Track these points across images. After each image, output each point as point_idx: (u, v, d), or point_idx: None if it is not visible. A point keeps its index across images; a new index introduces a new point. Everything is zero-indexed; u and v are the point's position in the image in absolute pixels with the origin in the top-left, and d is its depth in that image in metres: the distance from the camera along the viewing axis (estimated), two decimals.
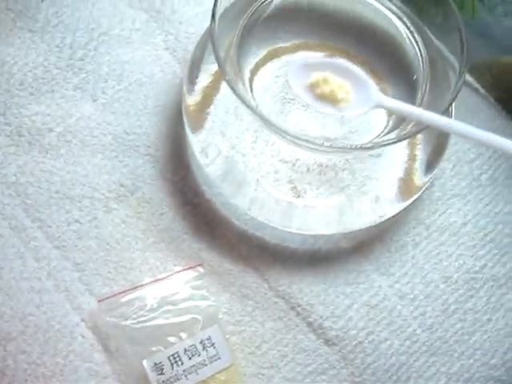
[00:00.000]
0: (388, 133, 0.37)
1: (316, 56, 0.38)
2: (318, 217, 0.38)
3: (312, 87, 0.33)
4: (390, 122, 0.38)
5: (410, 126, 0.37)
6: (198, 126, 0.38)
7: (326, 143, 0.34)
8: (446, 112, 0.35)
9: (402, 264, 0.39)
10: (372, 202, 0.39)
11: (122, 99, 0.41)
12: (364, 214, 0.38)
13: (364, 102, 0.33)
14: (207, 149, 0.38)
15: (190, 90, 0.38)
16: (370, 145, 0.34)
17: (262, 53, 0.39)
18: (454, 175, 0.41)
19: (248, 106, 0.34)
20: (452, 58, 0.37)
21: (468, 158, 0.41)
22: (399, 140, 0.34)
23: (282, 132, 0.34)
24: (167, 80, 0.41)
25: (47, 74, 0.41)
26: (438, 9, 0.37)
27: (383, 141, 0.34)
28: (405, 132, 0.35)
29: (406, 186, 0.39)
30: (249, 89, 0.37)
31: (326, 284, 0.38)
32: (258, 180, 0.38)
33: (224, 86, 0.38)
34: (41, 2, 0.42)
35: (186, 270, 0.37)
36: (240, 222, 0.38)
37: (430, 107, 0.38)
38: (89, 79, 0.41)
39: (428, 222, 0.40)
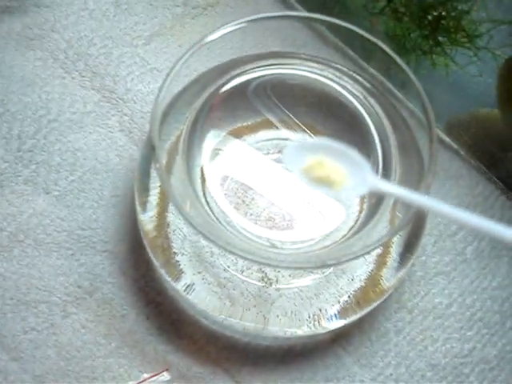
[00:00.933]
0: (365, 223, 0.34)
1: (306, 139, 0.36)
2: (291, 305, 0.36)
3: (307, 171, 0.32)
4: (365, 206, 0.36)
5: (388, 209, 0.35)
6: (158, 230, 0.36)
7: (284, 263, 0.32)
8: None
9: (385, 353, 0.36)
10: (350, 283, 0.36)
11: (76, 190, 0.38)
12: (341, 297, 0.36)
13: (359, 184, 0.32)
14: (167, 241, 0.36)
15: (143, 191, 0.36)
16: (337, 260, 0.32)
17: (221, 135, 0.37)
18: (437, 251, 0.38)
19: (194, 228, 0.32)
20: (421, 129, 0.35)
21: (450, 231, 0.38)
22: (376, 247, 0.31)
23: (233, 253, 0.31)
24: (124, 165, 0.39)
25: None
26: (399, 78, 0.35)
27: (355, 252, 0.32)
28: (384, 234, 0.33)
29: (384, 265, 0.37)
30: (200, 189, 0.35)
31: (304, 382, 0.35)
32: (225, 269, 0.36)
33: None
34: None
35: (152, 376, 0.35)
36: (207, 320, 0.36)
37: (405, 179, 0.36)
38: (40, 171, 0.38)
39: (410, 306, 0.37)
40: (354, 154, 0.33)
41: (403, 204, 0.34)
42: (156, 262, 0.35)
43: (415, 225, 0.36)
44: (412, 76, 0.34)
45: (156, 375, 0.35)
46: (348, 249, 0.33)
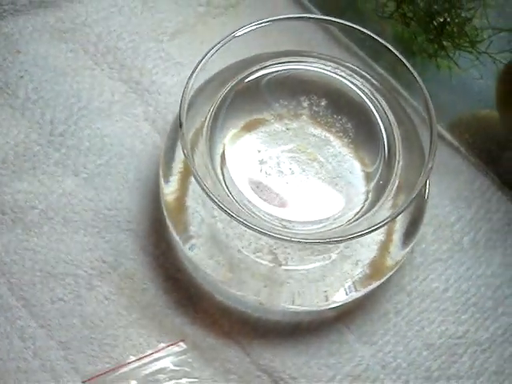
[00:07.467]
0: (369, 208, 0.37)
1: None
2: (299, 286, 0.38)
3: None
4: (370, 194, 0.38)
5: (390, 197, 0.38)
6: (177, 208, 0.39)
7: (295, 238, 0.35)
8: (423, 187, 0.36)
9: (385, 332, 0.39)
10: (354, 267, 0.39)
11: (103, 173, 0.41)
12: (346, 280, 0.39)
13: None
14: (187, 223, 0.39)
15: (167, 172, 0.39)
16: (341, 237, 0.35)
17: (240, 124, 0.40)
18: (435, 240, 0.41)
19: (215, 203, 0.34)
20: (424, 125, 0.38)
21: (448, 221, 0.41)
22: (376, 228, 0.35)
23: (248, 226, 0.34)
24: (148, 152, 0.42)
25: (28, 151, 0.41)
26: (405, 78, 0.37)
27: (367, 228, 0.35)
28: (387, 216, 0.35)
29: (387, 251, 0.39)
30: (220, 173, 0.37)
31: (309, 355, 0.38)
32: (239, 251, 0.39)
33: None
34: (20, 78, 0.42)
35: (168, 346, 0.38)
36: (222, 296, 0.39)
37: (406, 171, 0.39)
38: (70, 154, 0.41)
39: (409, 289, 0.40)
40: None
41: (405, 191, 0.37)
42: (178, 240, 0.38)
43: (415, 214, 0.39)
44: (416, 76, 0.37)
45: (172, 345, 0.38)
46: (352, 230, 0.36)
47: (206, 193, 0.35)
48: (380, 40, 0.38)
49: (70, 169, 0.41)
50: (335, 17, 0.40)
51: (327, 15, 0.43)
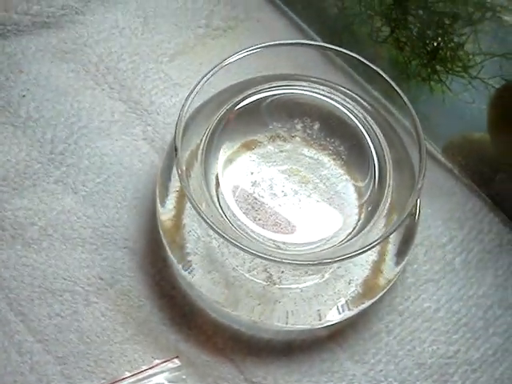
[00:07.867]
0: (361, 229, 0.38)
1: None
2: (293, 305, 0.39)
3: None
4: (362, 215, 0.39)
5: (382, 218, 0.38)
6: (173, 230, 0.40)
7: (286, 260, 0.35)
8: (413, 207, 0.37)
9: (376, 351, 0.39)
10: (347, 286, 0.39)
11: (102, 192, 0.42)
12: (339, 299, 0.39)
13: None
14: (183, 241, 0.39)
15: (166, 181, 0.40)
16: (332, 259, 0.35)
17: (235, 146, 0.41)
18: (427, 260, 0.41)
19: (207, 224, 0.35)
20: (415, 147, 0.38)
21: (440, 242, 0.42)
22: (372, 246, 0.35)
23: (241, 248, 0.35)
24: (146, 171, 0.43)
25: (29, 169, 0.42)
26: (397, 100, 0.38)
27: (358, 249, 0.35)
28: (378, 237, 0.36)
29: (379, 270, 0.40)
30: (215, 194, 0.38)
31: (301, 374, 0.39)
32: (234, 269, 0.39)
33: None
34: (22, 97, 0.43)
35: (163, 362, 0.38)
36: (216, 313, 0.39)
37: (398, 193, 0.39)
38: (69, 173, 0.42)
39: (401, 309, 0.40)
40: None
41: (397, 211, 0.38)
42: (173, 259, 0.39)
43: (406, 234, 0.40)
44: (405, 98, 0.38)
45: (167, 361, 0.38)
46: (345, 250, 0.36)
47: (200, 214, 0.35)
48: (371, 66, 0.39)
49: (70, 187, 0.42)
50: (332, 40, 0.41)
51: (325, 38, 0.45)
